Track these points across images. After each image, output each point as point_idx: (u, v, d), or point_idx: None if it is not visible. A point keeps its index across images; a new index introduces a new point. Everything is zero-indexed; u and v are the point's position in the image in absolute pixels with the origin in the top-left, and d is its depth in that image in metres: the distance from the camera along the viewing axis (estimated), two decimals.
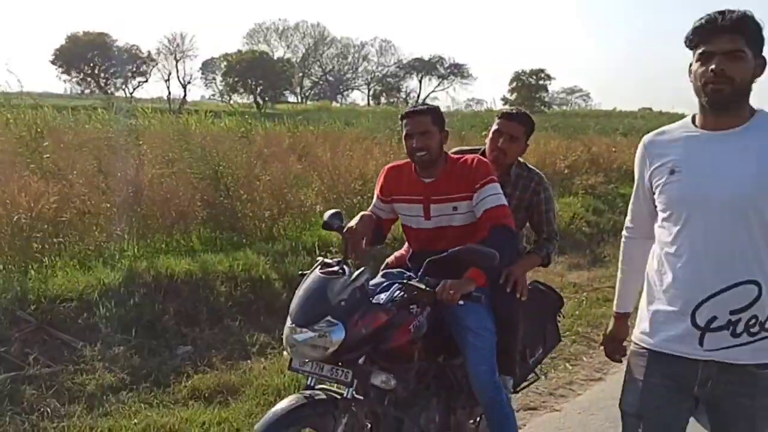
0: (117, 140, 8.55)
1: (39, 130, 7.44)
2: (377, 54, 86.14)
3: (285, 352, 2.71)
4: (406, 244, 3.31)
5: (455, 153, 3.25)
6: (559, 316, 3.65)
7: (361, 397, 2.72)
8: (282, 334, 2.64)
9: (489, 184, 2.94)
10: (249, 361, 4.62)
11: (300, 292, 2.64)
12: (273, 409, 2.55)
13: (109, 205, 6.04)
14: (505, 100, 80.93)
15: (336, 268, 2.68)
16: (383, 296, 2.83)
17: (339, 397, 2.60)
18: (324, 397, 2.61)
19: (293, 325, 2.56)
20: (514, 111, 3.34)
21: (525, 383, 3.63)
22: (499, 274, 3.09)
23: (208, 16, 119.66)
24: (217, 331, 4.94)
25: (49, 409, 3.76)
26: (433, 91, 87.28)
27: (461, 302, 2.69)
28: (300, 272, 2.86)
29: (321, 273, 2.64)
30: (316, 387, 2.67)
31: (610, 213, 10.22)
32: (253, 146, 9.97)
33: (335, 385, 2.66)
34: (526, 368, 3.46)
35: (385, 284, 2.96)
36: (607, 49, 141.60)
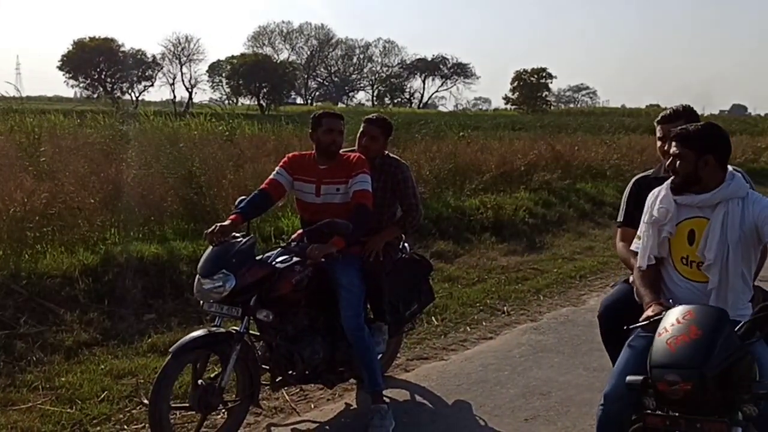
0: (108, 144, 9.61)
1: (37, 136, 8.47)
2: (381, 55, 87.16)
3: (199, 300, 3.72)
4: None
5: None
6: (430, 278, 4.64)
7: (257, 333, 3.75)
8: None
9: (361, 174, 3.97)
10: (201, 325, 5.58)
11: (205, 254, 3.64)
12: (185, 337, 3.55)
13: (93, 201, 7.02)
14: (506, 99, 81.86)
15: (239, 237, 3.71)
16: (279, 259, 3.85)
17: (235, 331, 3.59)
18: (224, 330, 3.61)
19: (199, 277, 3.56)
20: (373, 117, 4.34)
21: (403, 330, 4.62)
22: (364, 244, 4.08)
23: (214, 19, 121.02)
24: (178, 303, 5.92)
25: (35, 358, 4.76)
26: (437, 91, 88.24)
27: (323, 259, 3.69)
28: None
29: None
30: (221, 326, 3.67)
31: (560, 206, 11.14)
32: (234, 148, 10.99)
33: (236, 324, 3.66)
34: (401, 318, 4.42)
35: (280, 251, 3.97)
36: (614, 45, 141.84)
